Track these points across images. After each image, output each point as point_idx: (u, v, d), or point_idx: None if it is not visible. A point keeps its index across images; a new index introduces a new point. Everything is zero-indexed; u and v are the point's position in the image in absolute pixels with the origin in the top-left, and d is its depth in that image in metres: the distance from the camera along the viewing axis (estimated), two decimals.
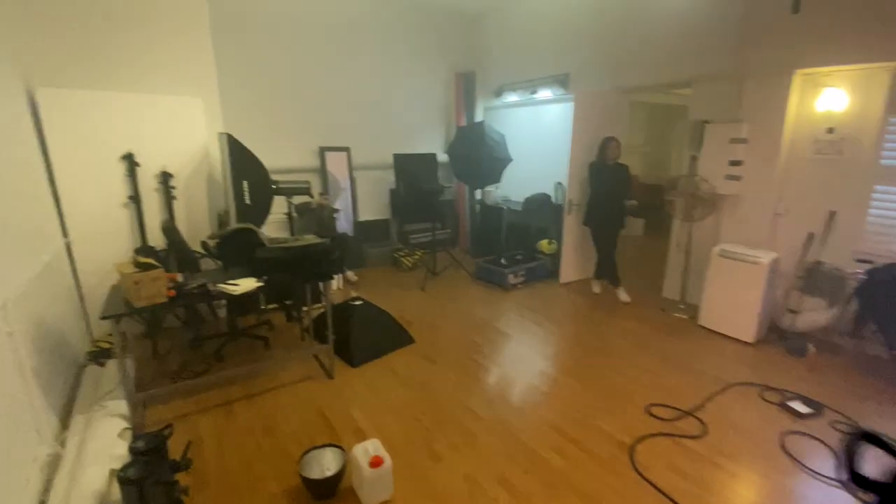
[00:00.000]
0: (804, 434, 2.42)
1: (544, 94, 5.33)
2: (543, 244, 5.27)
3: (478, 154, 4.97)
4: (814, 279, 3.49)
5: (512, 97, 5.78)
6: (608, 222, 4.41)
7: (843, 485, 2.06)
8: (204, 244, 3.06)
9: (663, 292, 4.52)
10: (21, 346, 2.01)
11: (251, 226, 2.82)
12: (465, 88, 6.20)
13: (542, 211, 5.41)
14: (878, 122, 3.15)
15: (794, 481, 2.09)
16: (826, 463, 2.20)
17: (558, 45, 5.19)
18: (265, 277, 2.66)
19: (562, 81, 5.10)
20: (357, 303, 3.52)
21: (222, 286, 2.52)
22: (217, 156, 3.81)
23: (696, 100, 4.00)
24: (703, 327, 3.80)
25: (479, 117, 6.23)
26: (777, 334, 3.60)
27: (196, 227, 3.79)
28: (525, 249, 5.37)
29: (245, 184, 3.48)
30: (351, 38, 5.34)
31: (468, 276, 5.22)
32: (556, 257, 5.11)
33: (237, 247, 2.75)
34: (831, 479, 2.10)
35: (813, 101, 3.42)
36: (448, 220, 6.37)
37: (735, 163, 3.74)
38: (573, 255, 4.87)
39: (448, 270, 5.40)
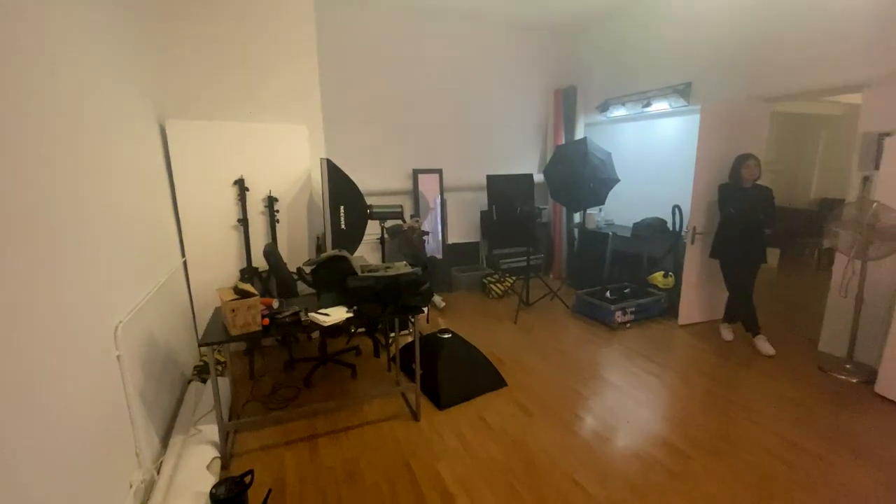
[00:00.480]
0: None
1: (659, 106, 4.74)
2: (658, 277, 4.62)
3: (579, 174, 4.53)
4: None
5: (619, 112, 5.25)
6: (745, 256, 3.67)
7: None
8: (299, 270, 3.05)
9: (820, 346, 3.63)
10: (128, 369, 2.05)
11: (344, 253, 2.73)
12: (565, 105, 5.81)
13: (655, 238, 4.76)
14: None
15: None
16: None
17: (678, 52, 4.60)
18: (355, 307, 2.53)
19: (682, 92, 4.48)
20: (446, 336, 3.28)
21: (313, 315, 2.43)
22: (318, 180, 3.88)
23: (871, 106, 3.19)
24: (883, 397, 2.92)
25: (579, 135, 5.77)
26: None
27: (296, 250, 3.87)
28: (633, 282, 4.75)
29: (342, 208, 3.46)
30: (445, 58, 5.27)
31: (565, 308, 4.74)
32: (672, 293, 4.43)
33: (330, 274, 2.67)
34: None
35: None
36: (541, 244, 5.94)
37: None
38: (696, 292, 4.16)
39: (542, 301, 4.96)
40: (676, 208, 4.67)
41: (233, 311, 2.20)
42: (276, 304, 2.57)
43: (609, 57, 5.46)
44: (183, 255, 3.47)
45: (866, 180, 3.21)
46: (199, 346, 2.14)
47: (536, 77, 5.85)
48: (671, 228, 4.68)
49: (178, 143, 3.32)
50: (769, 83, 3.84)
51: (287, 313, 2.42)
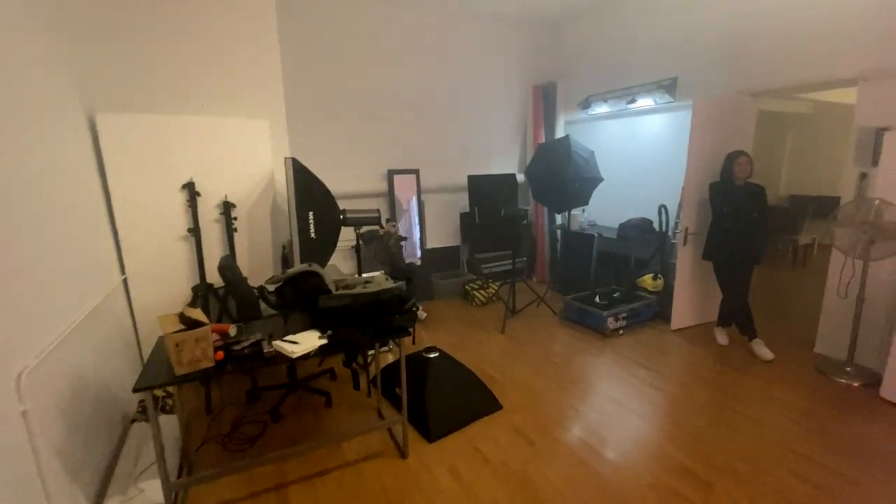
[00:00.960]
0: None
1: (644, 102, 4.58)
2: (647, 280, 4.44)
3: (563, 173, 4.30)
4: None
5: (601, 108, 5.07)
6: (740, 256, 3.52)
7: None
8: (261, 290, 2.64)
9: (816, 348, 3.52)
10: (40, 424, 1.62)
11: (315, 267, 2.35)
12: (545, 102, 5.58)
13: (642, 239, 4.59)
14: None
15: None
16: None
17: (663, 47, 4.44)
18: (329, 332, 2.16)
19: (668, 88, 4.32)
20: (433, 355, 2.95)
21: (279, 345, 2.04)
22: (283, 182, 3.46)
23: (867, 100, 3.08)
24: (890, 402, 2.80)
25: (559, 133, 5.56)
26: None
27: (258, 262, 3.44)
28: (621, 284, 4.55)
29: (311, 214, 3.07)
30: (420, 51, 4.94)
31: (552, 315, 4.50)
32: (662, 296, 4.26)
33: (298, 293, 2.29)
34: None
35: None
36: (524, 247, 5.70)
37: None
38: (689, 294, 3.99)
39: (529, 308, 4.71)
40: (663, 208, 4.51)
41: (177, 345, 1.79)
42: (232, 331, 2.16)
43: (590, 52, 5.27)
44: (123, 273, 2.98)
45: (864, 177, 3.10)
46: (134, 391, 1.71)
47: (515, 73, 5.60)
48: (658, 229, 4.52)
49: (112, 141, 2.84)
50: (758, 78, 3.72)
51: (246, 343, 2.03)
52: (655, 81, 4.44)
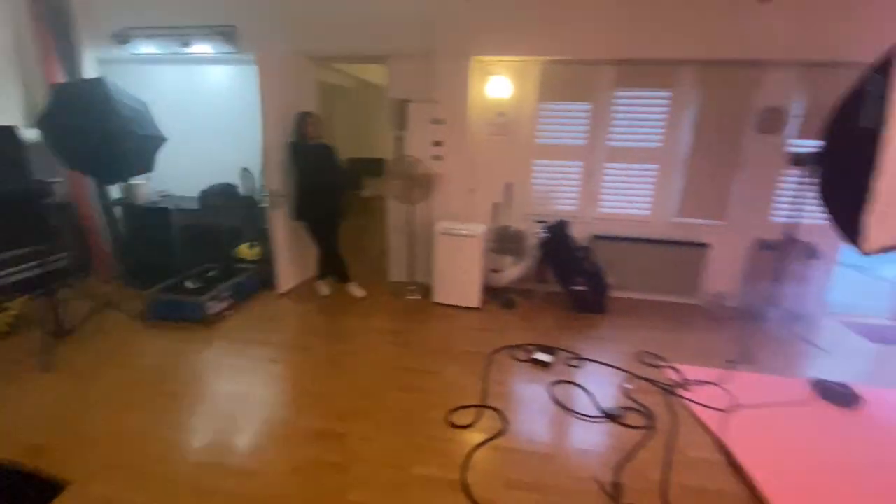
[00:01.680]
0: (561, 382, 2.71)
1: (201, 49, 3.95)
2: (243, 250, 4.09)
3: (107, 131, 3.16)
4: (504, 241, 4.07)
5: (148, 48, 4.02)
6: (325, 213, 3.76)
7: (605, 417, 2.39)
8: None
9: (390, 276, 4.36)
10: None
11: None
12: (54, 25, 3.87)
13: (230, 207, 4.15)
14: (533, 108, 3.84)
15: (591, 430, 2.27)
16: (587, 405, 2.52)
17: None
18: None
19: (227, 35, 3.88)
20: None
21: None
22: None
23: (396, 78, 3.83)
24: (439, 304, 3.84)
25: (89, 73, 4.06)
26: (489, 293, 4.03)
27: None
28: (217, 261, 4.00)
29: None
30: None
31: (133, 320, 3.42)
32: (263, 263, 4.05)
33: None
34: (594, 417, 2.40)
35: (485, 88, 3.83)
36: (64, 237, 4.01)
37: (437, 143, 3.84)
38: (288, 256, 3.97)
39: (92, 321, 3.37)
40: (245, 171, 4.21)
41: None
42: None
43: None
44: None
45: (399, 140, 3.90)
46: None
47: None
48: (243, 193, 4.21)
49: None
50: (313, 42, 3.89)
51: None
52: (212, 26, 3.88)
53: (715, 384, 2.71)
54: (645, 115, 3.74)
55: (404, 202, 3.82)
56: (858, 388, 2.63)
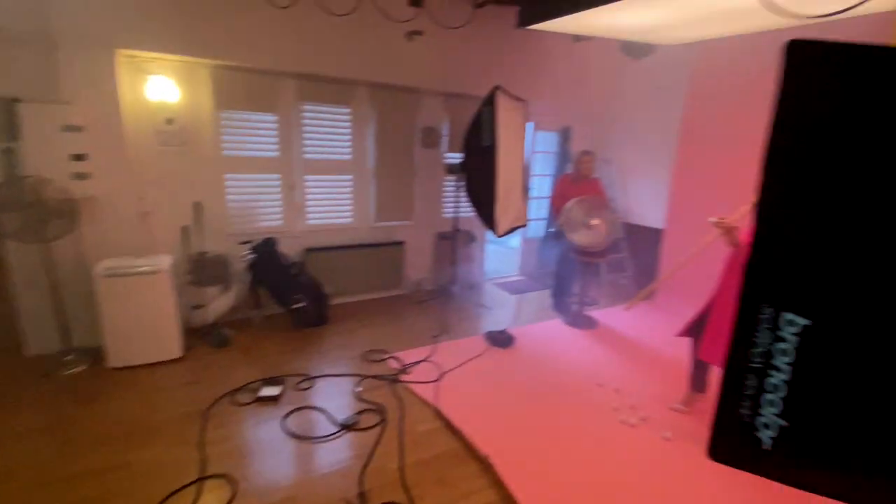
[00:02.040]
0: (295, 411, 2.58)
1: None
2: None
3: None
4: (203, 270, 3.52)
5: None
6: None
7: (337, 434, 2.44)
8: None
9: (29, 350, 3.05)
10: None
11: None
12: None
13: None
14: (210, 116, 3.40)
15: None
16: (324, 424, 2.49)
17: None
18: None
19: None
20: None
21: None
22: None
23: None
24: (119, 368, 2.96)
25: None
26: (195, 335, 3.41)
27: None
28: None
29: None
30: None
31: None
32: None
33: None
34: (332, 434, 2.42)
35: (145, 89, 3.14)
36: None
37: (79, 157, 2.90)
38: None
39: None
40: None
41: None
42: None
43: None
44: None
45: (9, 153, 2.72)
46: None
47: None
48: None
49: None
50: None
51: None
52: None
53: (426, 360, 3.17)
54: (333, 129, 3.93)
55: (32, 241, 2.72)
56: (511, 330, 3.63)
